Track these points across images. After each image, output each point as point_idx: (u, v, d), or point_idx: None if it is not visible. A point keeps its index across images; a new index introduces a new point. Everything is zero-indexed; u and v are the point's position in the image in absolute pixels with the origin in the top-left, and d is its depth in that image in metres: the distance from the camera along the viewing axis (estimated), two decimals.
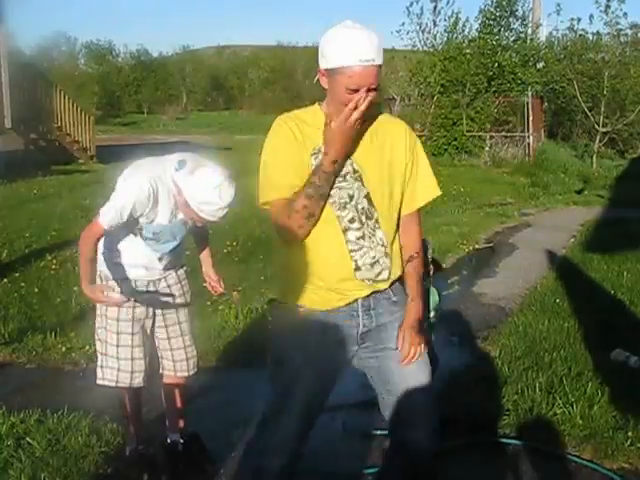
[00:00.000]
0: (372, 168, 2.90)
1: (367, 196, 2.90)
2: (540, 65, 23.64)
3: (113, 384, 3.89)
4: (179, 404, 4.14)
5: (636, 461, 4.19)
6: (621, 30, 22.58)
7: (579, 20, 22.90)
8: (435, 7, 22.78)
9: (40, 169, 18.01)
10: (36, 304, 7.17)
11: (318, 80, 2.85)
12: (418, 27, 23.02)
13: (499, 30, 23.07)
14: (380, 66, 2.72)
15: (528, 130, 22.90)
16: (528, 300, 7.51)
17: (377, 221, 2.92)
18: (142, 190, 3.52)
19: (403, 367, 3.04)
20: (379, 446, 4.38)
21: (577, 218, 13.13)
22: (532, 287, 8.09)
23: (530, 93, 23.03)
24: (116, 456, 4.13)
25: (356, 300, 2.96)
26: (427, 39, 23.35)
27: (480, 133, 22.51)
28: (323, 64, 2.76)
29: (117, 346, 3.83)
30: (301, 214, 2.82)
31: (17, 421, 4.49)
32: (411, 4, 22.66)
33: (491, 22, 22.90)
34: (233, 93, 62.03)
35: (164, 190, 3.59)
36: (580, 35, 23.60)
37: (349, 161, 2.86)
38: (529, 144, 22.68)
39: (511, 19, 23.13)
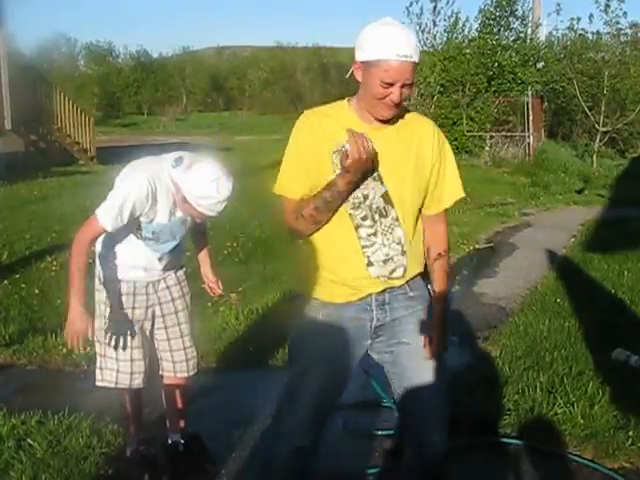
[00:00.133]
0: (395, 167, 2.92)
1: (385, 195, 2.92)
2: (540, 65, 23.64)
3: (112, 385, 3.89)
4: (180, 405, 4.14)
5: (637, 460, 4.19)
6: (621, 29, 22.60)
7: (579, 20, 22.90)
8: (435, 7, 22.78)
9: (40, 170, 18.01)
10: (37, 305, 7.17)
11: (352, 73, 2.88)
12: (418, 27, 22.98)
13: (499, 30, 23.08)
14: (416, 64, 2.76)
15: (528, 130, 22.89)
16: (529, 300, 7.51)
17: (396, 219, 2.94)
18: (141, 189, 3.51)
19: (417, 364, 3.07)
20: (380, 446, 4.40)
21: (577, 218, 13.13)
22: (533, 287, 8.09)
23: (530, 93, 23.03)
24: (117, 457, 4.13)
25: (370, 295, 2.99)
26: (427, 39, 23.35)
27: (480, 133, 22.52)
28: (360, 56, 2.80)
29: (116, 347, 3.82)
30: (307, 220, 2.90)
31: (18, 422, 4.48)
32: (411, 4, 22.65)
33: (491, 22, 22.91)
34: (233, 94, 62.03)
35: (162, 188, 3.59)
36: (580, 35, 23.60)
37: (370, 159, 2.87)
38: (529, 144, 22.67)
39: (511, 19, 23.14)
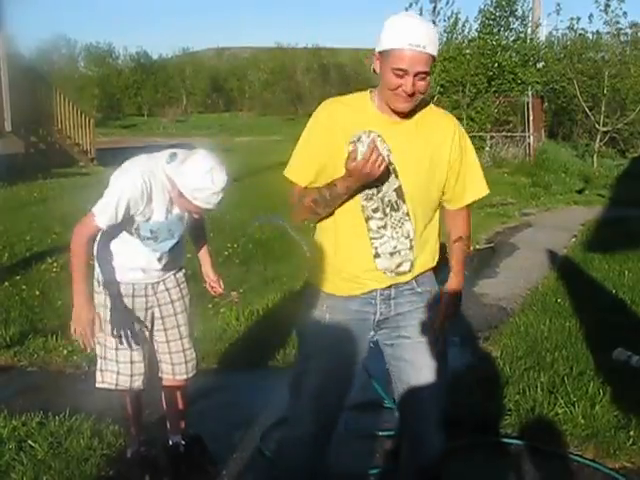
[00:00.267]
0: (410, 161, 2.93)
1: (398, 189, 2.95)
2: (540, 65, 23.60)
3: (113, 387, 3.88)
4: (180, 406, 4.14)
5: (638, 460, 4.19)
6: (621, 29, 22.56)
7: (579, 19, 22.87)
8: (434, 7, 22.71)
9: (40, 172, 18.00)
10: (37, 307, 7.17)
11: (374, 68, 2.90)
12: None
13: (499, 30, 23.03)
14: (432, 56, 2.77)
15: (528, 130, 22.87)
16: (529, 300, 7.51)
17: (407, 214, 2.96)
18: (135, 186, 3.50)
19: (417, 360, 3.09)
20: (381, 447, 4.40)
21: (578, 218, 13.13)
22: (533, 287, 8.09)
23: (530, 93, 22.99)
24: (118, 458, 4.13)
25: (374, 290, 3.02)
26: None
27: (480, 133, 22.46)
28: (378, 47, 2.83)
29: (116, 349, 3.82)
30: (307, 210, 2.97)
31: (19, 424, 4.48)
32: (410, 5, 22.57)
33: (491, 22, 22.86)
34: (233, 95, 62.02)
35: (158, 185, 3.57)
36: (580, 34, 23.57)
37: (386, 152, 2.89)
38: (530, 144, 22.64)
39: (511, 19, 23.08)
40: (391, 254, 2.97)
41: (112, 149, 24.21)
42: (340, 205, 2.95)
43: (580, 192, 17.26)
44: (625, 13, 21.86)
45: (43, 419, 4.55)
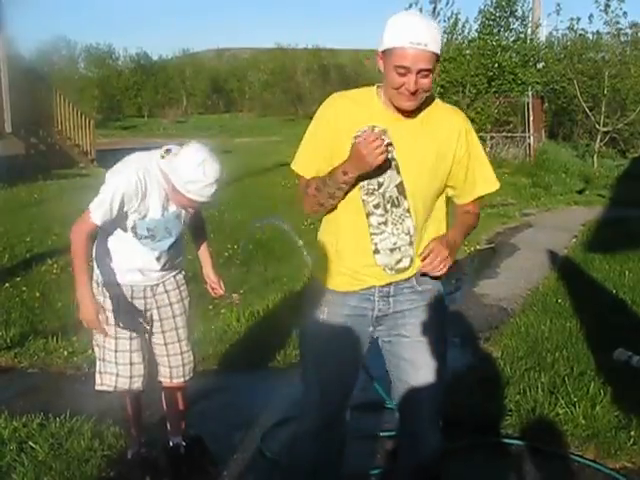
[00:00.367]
0: (413, 158, 2.94)
1: (399, 185, 2.96)
2: (540, 65, 23.59)
3: (112, 389, 3.88)
4: (180, 407, 4.13)
5: (639, 460, 4.19)
6: (621, 29, 22.55)
7: (579, 20, 22.88)
8: (434, 8, 22.71)
9: (41, 173, 18.00)
10: (38, 308, 7.17)
11: (379, 68, 2.91)
12: None
13: (499, 30, 23.02)
14: (435, 54, 2.78)
15: (529, 130, 22.87)
16: (530, 300, 7.52)
17: (408, 210, 2.97)
18: (129, 182, 3.51)
19: (415, 358, 3.10)
20: (382, 447, 4.40)
21: (578, 218, 13.13)
22: (534, 287, 8.09)
23: (530, 93, 22.99)
24: (119, 460, 4.13)
25: (373, 287, 3.03)
26: None
27: (481, 134, 22.40)
28: (380, 47, 2.84)
29: (115, 351, 3.81)
30: (312, 200, 3.01)
31: (19, 425, 4.49)
32: (410, 5, 22.56)
33: (491, 22, 22.85)
34: (233, 96, 61.96)
35: (153, 182, 3.57)
36: (580, 35, 23.58)
37: (390, 148, 2.90)
38: (530, 144, 22.64)
39: (511, 19, 23.07)
40: (391, 250, 2.99)
41: (112, 150, 24.23)
42: (342, 197, 2.96)
43: (580, 192, 17.27)
44: (625, 13, 21.89)
45: (44, 420, 4.55)
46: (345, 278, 3.04)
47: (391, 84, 2.82)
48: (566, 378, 5.11)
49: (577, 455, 4.24)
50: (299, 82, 54.92)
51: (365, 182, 2.94)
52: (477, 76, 22.10)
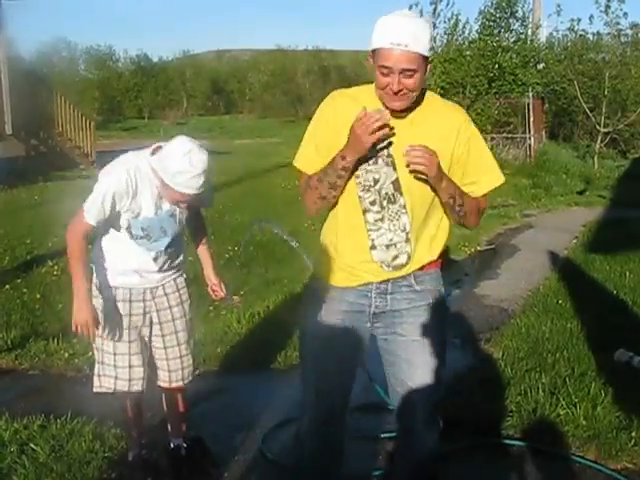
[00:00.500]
0: None
1: (395, 181, 2.97)
2: (541, 66, 23.59)
3: (111, 391, 3.89)
4: (181, 409, 4.13)
5: None
6: (621, 30, 22.52)
7: (579, 20, 22.84)
8: (435, 9, 22.70)
9: (41, 175, 18.02)
10: (38, 310, 7.18)
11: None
12: None
13: (499, 31, 23.01)
14: (419, 54, 2.78)
15: (529, 131, 22.87)
16: (531, 301, 7.51)
17: (404, 207, 2.98)
18: (120, 181, 3.51)
19: (411, 357, 3.10)
20: (383, 449, 4.39)
21: (579, 219, 13.12)
22: (534, 288, 8.09)
23: (531, 94, 22.99)
24: (120, 461, 4.12)
25: (370, 283, 3.05)
26: None
27: (481, 135, 22.47)
28: (370, 47, 2.87)
29: (114, 354, 3.81)
30: (314, 193, 3.02)
31: (20, 427, 4.49)
32: (410, 7, 22.57)
33: (491, 23, 22.84)
34: (233, 97, 61.96)
35: (144, 180, 3.57)
36: (580, 35, 23.56)
37: (386, 144, 2.93)
38: (530, 145, 22.64)
39: (511, 20, 23.06)
40: (387, 246, 3.00)
41: (113, 152, 24.20)
42: (343, 189, 2.98)
43: (581, 193, 17.26)
44: (626, 14, 21.85)
45: (45, 422, 4.55)
46: (343, 274, 3.07)
47: (377, 84, 2.86)
48: (567, 379, 5.11)
49: (578, 456, 4.23)
50: (299, 83, 54.92)
51: (362, 179, 2.96)
52: (477, 77, 22.10)
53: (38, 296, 7.58)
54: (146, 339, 3.91)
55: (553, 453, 4.30)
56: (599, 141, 22.54)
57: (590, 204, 15.31)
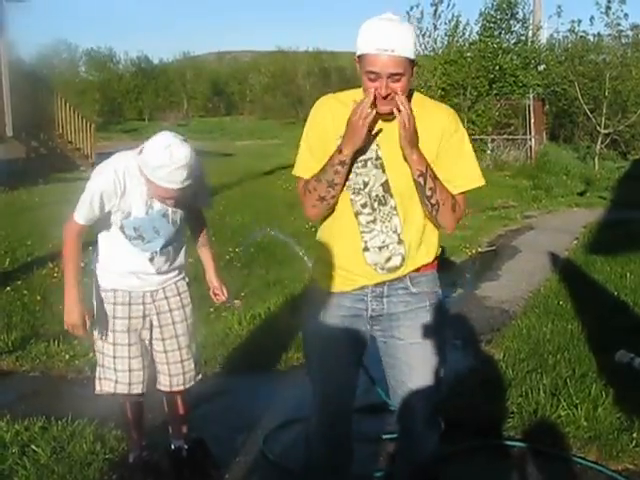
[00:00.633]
0: (397, 156, 2.94)
1: (384, 183, 2.98)
2: (541, 67, 23.61)
3: (111, 394, 3.88)
4: (182, 410, 4.12)
5: None
6: (622, 31, 22.56)
7: (580, 22, 22.86)
8: (435, 11, 22.71)
9: (41, 177, 18.01)
10: (39, 312, 7.17)
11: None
12: (419, 31, 22.94)
13: (500, 33, 23.03)
14: (405, 58, 2.79)
15: (530, 133, 22.88)
16: (531, 303, 7.51)
17: (395, 208, 2.99)
18: (107, 180, 3.53)
19: (410, 360, 3.10)
20: (385, 450, 4.39)
21: (580, 220, 13.12)
22: (535, 290, 8.08)
23: (531, 95, 23.01)
24: (121, 463, 4.12)
25: (365, 286, 3.06)
26: (427, 43, 23.31)
27: (482, 136, 22.45)
28: (357, 52, 2.87)
29: (114, 357, 3.80)
30: (313, 195, 3.01)
31: (21, 429, 4.48)
32: (411, 8, 22.60)
33: (492, 25, 22.86)
34: (234, 99, 61.97)
35: (133, 179, 3.56)
36: (581, 37, 23.57)
37: (374, 147, 2.95)
38: (531, 147, 22.65)
39: (512, 22, 23.08)
40: (380, 248, 3.01)
41: (113, 154, 24.24)
42: (341, 190, 2.99)
43: (581, 194, 17.26)
44: (626, 15, 21.90)
45: (46, 424, 4.55)
46: (338, 279, 3.08)
47: (365, 88, 2.86)
48: (568, 380, 5.11)
49: (579, 457, 4.23)
50: (300, 85, 54.93)
51: (352, 182, 2.98)
52: (478, 78, 22.12)
53: (39, 298, 7.58)
54: (147, 343, 3.89)
55: (554, 454, 4.29)
56: (599, 142, 22.55)
57: (591, 205, 15.31)
